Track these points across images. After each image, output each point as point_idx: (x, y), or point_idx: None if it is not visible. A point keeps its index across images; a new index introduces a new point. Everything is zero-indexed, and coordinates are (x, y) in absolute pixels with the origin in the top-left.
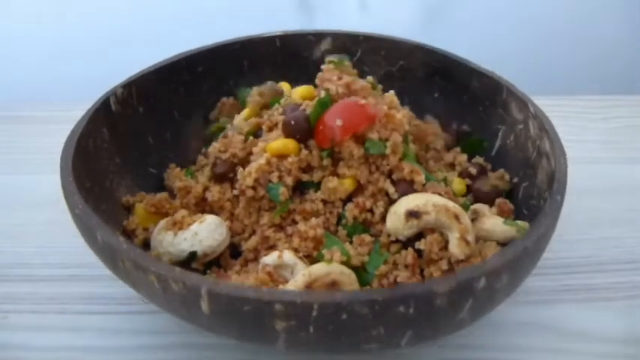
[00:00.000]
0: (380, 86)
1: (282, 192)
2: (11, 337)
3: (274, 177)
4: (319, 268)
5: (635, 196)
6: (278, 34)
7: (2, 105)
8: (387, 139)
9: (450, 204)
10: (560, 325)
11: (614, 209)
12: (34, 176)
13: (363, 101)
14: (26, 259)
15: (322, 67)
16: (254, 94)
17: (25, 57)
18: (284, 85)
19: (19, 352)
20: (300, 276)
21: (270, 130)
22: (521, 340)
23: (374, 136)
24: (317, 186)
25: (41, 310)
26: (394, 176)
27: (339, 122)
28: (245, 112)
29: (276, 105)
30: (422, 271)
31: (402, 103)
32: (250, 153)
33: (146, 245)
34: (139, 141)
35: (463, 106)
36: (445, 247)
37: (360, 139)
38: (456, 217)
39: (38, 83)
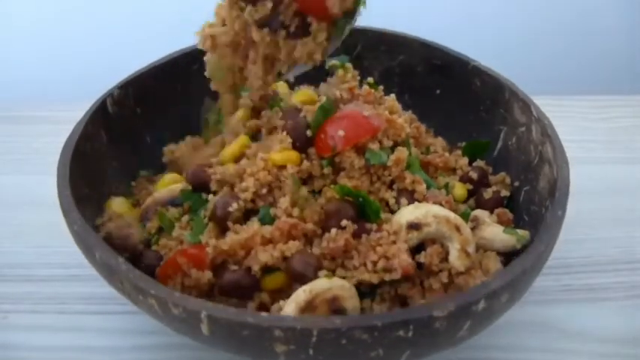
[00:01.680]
0: (380, 87)
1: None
2: (11, 337)
3: (275, 187)
4: (320, 284)
5: (635, 196)
6: None
7: (2, 105)
8: (391, 148)
9: (451, 215)
10: (560, 325)
11: (614, 209)
12: (34, 176)
13: (366, 112)
14: (26, 259)
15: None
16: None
17: (25, 57)
18: (280, 86)
19: (19, 352)
20: (301, 292)
21: (270, 133)
22: (522, 340)
23: (374, 146)
24: (318, 194)
25: (41, 310)
26: (395, 186)
27: (341, 133)
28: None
29: (276, 108)
30: (422, 282)
31: (403, 101)
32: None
33: None
34: (137, 142)
35: (464, 104)
36: (446, 258)
37: (361, 149)
38: (457, 229)
39: (38, 83)
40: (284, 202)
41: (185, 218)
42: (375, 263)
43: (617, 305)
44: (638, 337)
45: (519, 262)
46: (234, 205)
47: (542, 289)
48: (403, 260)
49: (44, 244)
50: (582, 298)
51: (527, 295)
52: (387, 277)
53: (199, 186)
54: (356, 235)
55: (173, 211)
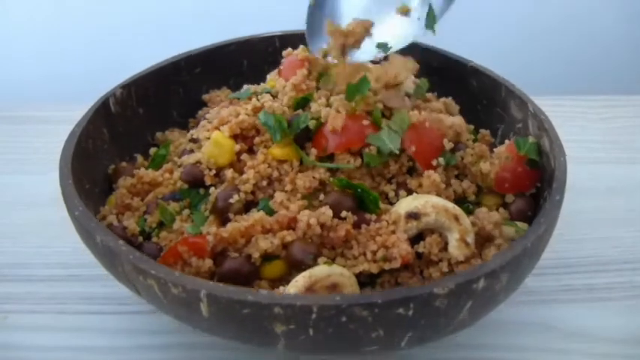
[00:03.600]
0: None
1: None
2: (11, 337)
3: (275, 180)
4: (320, 270)
5: (635, 196)
6: (277, 33)
7: (2, 105)
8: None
9: (450, 205)
10: (560, 325)
11: (614, 209)
12: (34, 176)
13: (366, 122)
14: (26, 259)
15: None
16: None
17: (25, 57)
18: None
19: (19, 352)
20: (300, 278)
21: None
22: (521, 340)
23: (373, 149)
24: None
25: (41, 310)
26: (395, 180)
27: (334, 139)
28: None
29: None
30: (422, 271)
31: None
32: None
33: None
34: (139, 142)
35: (462, 104)
36: (445, 248)
37: (357, 152)
38: (456, 218)
39: (38, 83)
40: (280, 196)
41: (186, 212)
42: (374, 253)
43: (617, 305)
44: (638, 337)
45: (519, 243)
46: (235, 197)
47: (542, 289)
48: (403, 249)
49: (44, 244)
50: (582, 298)
51: (528, 295)
52: (387, 266)
53: (194, 183)
54: (356, 226)
55: (174, 205)
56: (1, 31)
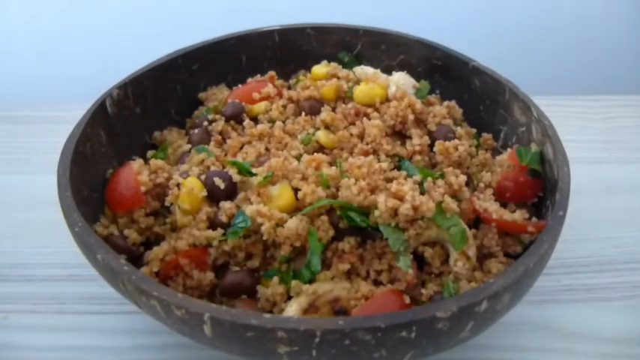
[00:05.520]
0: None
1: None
2: (11, 337)
3: None
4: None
5: (635, 196)
6: (276, 28)
7: (2, 105)
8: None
9: None
10: (560, 325)
11: (614, 209)
12: (34, 176)
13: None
14: (26, 259)
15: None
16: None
17: (25, 57)
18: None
19: (19, 352)
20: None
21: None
22: (522, 340)
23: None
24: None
25: (41, 310)
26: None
27: None
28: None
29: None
30: (423, 282)
31: None
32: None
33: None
34: (137, 142)
35: (464, 104)
36: (446, 260)
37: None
38: None
39: (38, 83)
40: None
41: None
42: (379, 273)
43: (617, 305)
44: (638, 337)
45: (521, 263)
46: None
47: (542, 289)
48: (408, 275)
49: (44, 244)
50: (582, 298)
51: (528, 295)
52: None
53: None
54: (360, 245)
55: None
56: (2, 30)
